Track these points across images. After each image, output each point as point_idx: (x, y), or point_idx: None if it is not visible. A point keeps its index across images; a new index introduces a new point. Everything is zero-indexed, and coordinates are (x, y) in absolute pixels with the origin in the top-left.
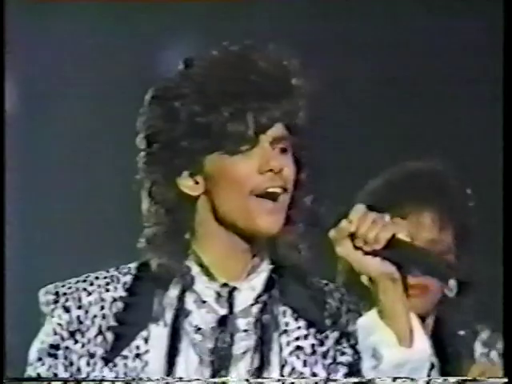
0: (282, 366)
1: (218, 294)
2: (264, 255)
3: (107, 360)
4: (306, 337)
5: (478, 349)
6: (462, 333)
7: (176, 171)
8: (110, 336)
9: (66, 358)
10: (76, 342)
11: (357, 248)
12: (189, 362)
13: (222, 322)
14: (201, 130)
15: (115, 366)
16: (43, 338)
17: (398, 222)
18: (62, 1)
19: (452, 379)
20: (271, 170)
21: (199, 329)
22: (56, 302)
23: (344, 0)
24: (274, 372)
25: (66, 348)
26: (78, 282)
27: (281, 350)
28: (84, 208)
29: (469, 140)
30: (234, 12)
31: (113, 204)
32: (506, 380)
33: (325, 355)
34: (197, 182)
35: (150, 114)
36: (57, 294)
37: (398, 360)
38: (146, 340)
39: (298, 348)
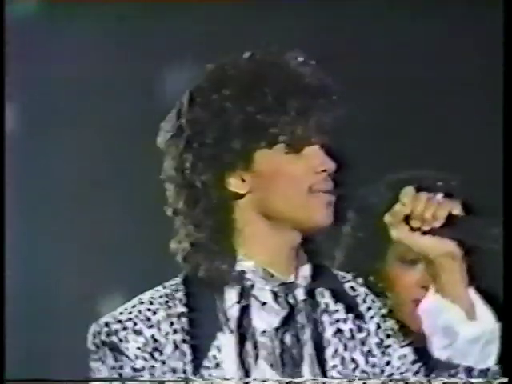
0: (324, 348)
1: (276, 295)
2: (302, 254)
3: (194, 373)
4: (345, 321)
5: None
6: None
7: (226, 170)
8: (187, 349)
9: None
10: (156, 360)
11: (413, 230)
12: (260, 365)
13: (285, 321)
14: (258, 128)
15: (202, 377)
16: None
17: (449, 199)
18: None
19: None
20: (325, 171)
21: (264, 331)
22: (125, 328)
23: (343, 1)
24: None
25: (152, 367)
26: (134, 306)
27: (324, 330)
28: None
29: (469, 145)
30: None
31: (126, 213)
32: (506, 380)
33: (363, 342)
34: (243, 180)
35: (194, 114)
36: (120, 321)
37: (474, 335)
38: (219, 349)
39: (339, 331)
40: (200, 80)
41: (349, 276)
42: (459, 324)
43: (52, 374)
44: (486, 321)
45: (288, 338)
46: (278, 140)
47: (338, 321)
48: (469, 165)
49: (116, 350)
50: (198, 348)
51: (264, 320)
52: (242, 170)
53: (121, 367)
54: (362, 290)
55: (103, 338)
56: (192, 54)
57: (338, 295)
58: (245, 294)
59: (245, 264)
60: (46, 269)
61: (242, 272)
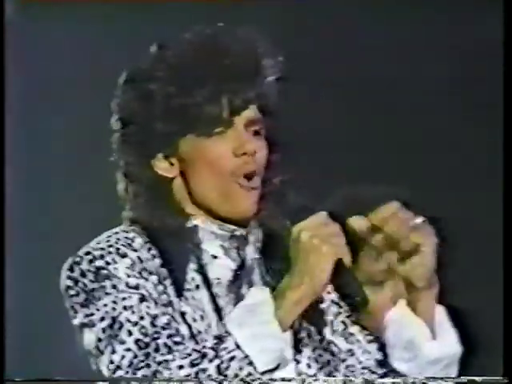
0: None
1: (225, 249)
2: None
3: (179, 293)
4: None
5: None
6: None
7: (151, 153)
8: (166, 272)
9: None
10: (147, 280)
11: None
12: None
13: (237, 275)
14: (176, 112)
15: (187, 299)
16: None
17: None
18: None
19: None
20: (245, 153)
21: (218, 279)
22: (109, 253)
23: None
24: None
25: (143, 286)
26: (109, 236)
27: None
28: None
29: (469, 146)
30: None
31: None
32: (506, 380)
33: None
34: (172, 164)
35: (125, 96)
36: (102, 249)
37: (436, 355)
38: (196, 270)
39: None
40: (140, 61)
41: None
42: (423, 341)
43: (52, 374)
44: (450, 344)
45: (244, 291)
46: (196, 122)
47: None
48: (469, 169)
49: (102, 274)
50: (177, 271)
51: (217, 273)
52: (169, 154)
53: (106, 288)
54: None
55: (84, 266)
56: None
57: None
58: (194, 248)
59: (194, 221)
60: (46, 269)
61: (194, 227)
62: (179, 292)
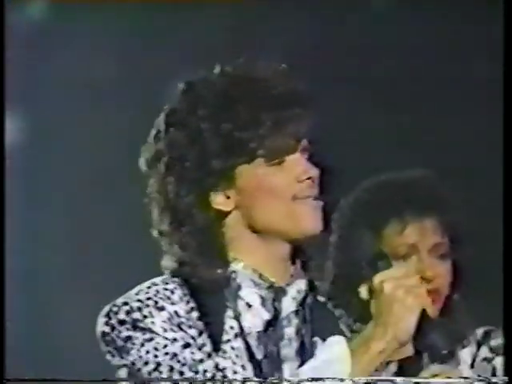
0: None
1: (263, 298)
2: (299, 266)
3: (216, 346)
4: None
5: (482, 353)
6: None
7: (208, 190)
8: (202, 326)
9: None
10: (186, 333)
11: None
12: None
13: (269, 326)
14: (235, 145)
15: (225, 352)
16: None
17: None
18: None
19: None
20: (309, 178)
21: (249, 333)
22: (147, 305)
23: (339, 2)
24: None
25: (182, 338)
26: (149, 287)
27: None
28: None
29: (469, 144)
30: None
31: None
32: (506, 380)
33: None
34: (228, 197)
35: (173, 137)
36: (139, 300)
37: (325, 358)
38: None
39: None
40: (174, 102)
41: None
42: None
43: (52, 373)
44: (337, 346)
45: (272, 344)
46: (257, 154)
47: None
48: (469, 169)
49: (139, 327)
50: (214, 323)
51: (249, 322)
52: (225, 188)
53: (143, 343)
54: None
55: (121, 316)
56: (193, 55)
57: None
58: (232, 295)
59: (235, 265)
60: (46, 269)
61: (232, 273)
62: (217, 345)
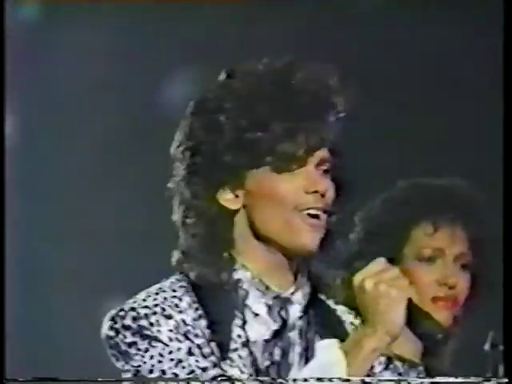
0: None
1: (269, 307)
2: (304, 272)
3: (224, 354)
4: None
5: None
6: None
7: (217, 184)
8: (210, 333)
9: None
10: (192, 342)
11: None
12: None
13: (275, 335)
14: (247, 145)
15: (233, 361)
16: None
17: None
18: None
19: (441, 379)
20: (317, 192)
21: (254, 341)
22: (154, 313)
23: (344, 5)
24: None
25: (189, 349)
26: (157, 293)
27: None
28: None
29: (469, 147)
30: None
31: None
32: (506, 380)
33: None
34: (237, 196)
35: (193, 126)
36: (147, 307)
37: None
38: (241, 327)
39: None
40: (207, 91)
41: (347, 315)
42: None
43: (52, 373)
44: (329, 350)
45: (277, 352)
46: (266, 158)
47: None
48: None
49: (145, 334)
50: (222, 330)
51: (255, 331)
52: (235, 186)
53: (146, 350)
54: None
55: (127, 321)
56: (194, 56)
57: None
58: (239, 303)
59: (241, 273)
60: (46, 269)
61: (238, 281)
62: (225, 352)
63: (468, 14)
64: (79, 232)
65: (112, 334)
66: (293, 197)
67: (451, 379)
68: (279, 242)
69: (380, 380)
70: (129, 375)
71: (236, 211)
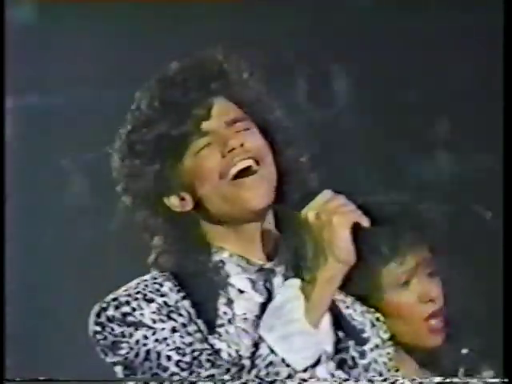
0: None
1: (253, 282)
2: (283, 243)
3: (211, 330)
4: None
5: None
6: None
7: (160, 197)
8: (195, 311)
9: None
10: (176, 321)
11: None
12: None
13: (263, 309)
14: (168, 147)
15: (220, 335)
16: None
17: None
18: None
19: (438, 379)
20: (233, 149)
21: (245, 318)
22: (136, 299)
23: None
24: None
25: (173, 328)
26: (138, 283)
27: None
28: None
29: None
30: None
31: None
32: (506, 380)
33: None
34: (183, 199)
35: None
36: (129, 295)
37: (306, 344)
38: (227, 304)
39: None
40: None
41: (348, 300)
42: (298, 333)
43: (52, 373)
44: (291, 287)
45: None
46: (185, 147)
47: None
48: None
49: (128, 321)
50: (208, 309)
51: (243, 307)
52: (176, 190)
53: (131, 335)
54: (362, 320)
55: (110, 312)
56: (192, 53)
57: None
58: (222, 283)
59: (219, 254)
60: (47, 269)
61: (218, 262)
62: (212, 329)
63: (468, 14)
64: (80, 232)
65: (98, 328)
66: (215, 167)
67: (450, 379)
68: (230, 214)
69: (381, 380)
70: (119, 367)
71: (190, 212)
